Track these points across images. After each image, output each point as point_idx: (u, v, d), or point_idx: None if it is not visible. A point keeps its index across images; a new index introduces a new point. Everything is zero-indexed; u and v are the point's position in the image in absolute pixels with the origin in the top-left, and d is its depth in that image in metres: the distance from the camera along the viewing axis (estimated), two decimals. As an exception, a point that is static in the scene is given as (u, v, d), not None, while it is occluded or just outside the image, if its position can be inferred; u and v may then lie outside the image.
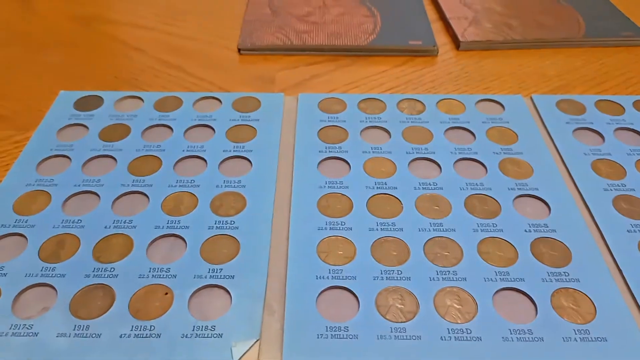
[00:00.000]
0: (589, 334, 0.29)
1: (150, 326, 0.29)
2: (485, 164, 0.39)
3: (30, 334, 0.28)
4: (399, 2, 0.58)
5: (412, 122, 0.43)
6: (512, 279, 0.31)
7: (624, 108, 0.44)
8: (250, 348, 0.28)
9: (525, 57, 0.51)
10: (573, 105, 0.44)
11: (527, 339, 0.28)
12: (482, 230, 0.34)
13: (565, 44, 0.53)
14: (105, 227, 0.34)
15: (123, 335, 0.28)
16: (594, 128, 0.42)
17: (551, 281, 0.31)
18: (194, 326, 0.29)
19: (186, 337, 0.28)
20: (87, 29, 0.56)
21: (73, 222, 0.34)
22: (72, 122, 0.42)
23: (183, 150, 0.40)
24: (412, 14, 0.56)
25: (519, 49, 0.52)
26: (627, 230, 0.34)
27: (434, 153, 0.40)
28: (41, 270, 0.31)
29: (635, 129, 0.42)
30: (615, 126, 0.42)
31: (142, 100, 0.45)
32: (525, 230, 0.34)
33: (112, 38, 0.54)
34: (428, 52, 0.51)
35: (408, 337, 0.28)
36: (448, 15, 0.56)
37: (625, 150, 0.40)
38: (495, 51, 0.52)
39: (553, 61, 0.51)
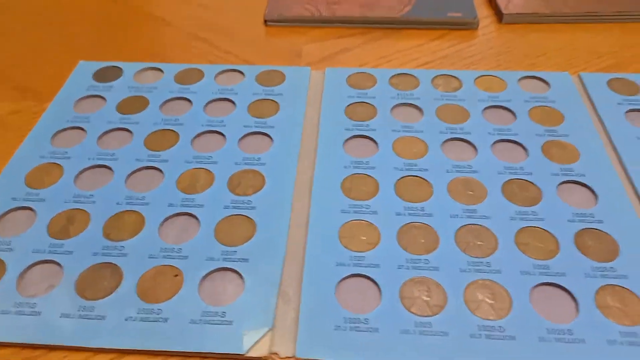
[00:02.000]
0: (638, 337, 0.26)
1: (158, 309, 0.27)
2: (527, 146, 0.36)
3: (34, 313, 0.27)
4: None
5: (447, 99, 0.40)
6: (552, 273, 0.28)
7: (685, 88, 0.40)
8: (262, 337, 0.26)
9: (576, 32, 0.47)
10: (626, 85, 0.40)
11: (566, 340, 0.26)
12: (520, 219, 0.31)
13: (621, 19, 0.48)
14: (118, 204, 0.32)
15: (129, 318, 0.27)
16: (649, 109, 0.38)
17: (596, 277, 0.28)
18: (203, 311, 0.27)
19: (194, 322, 0.27)
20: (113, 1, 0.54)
21: (85, 197, 0.33)
22: (90, 94, 0.41)
23: (202, 125, 0.38)
24: (451, -16, 0.52)
25: (569, 22, 0.48)
26: (686, 224, 0.31)
27: (470, 133, 0.37)
28: (49, 247, 0.30)
29: (698, 111, 0.38)
30: (675, 108, 0.38)
31: (162, 72, 0.43)
32: (569, 220, 0.31)
33: (137, 9, 0.53)
34: (468, 25, 0.48)
35: (434, 333, 0.26)
36: (490, -15, 0.52)
37: (685, 135, 0.36)
38: (543, 25, 0.48)
39: (606, 37, 0.47)
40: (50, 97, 0.41)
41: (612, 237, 0.30)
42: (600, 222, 0.31)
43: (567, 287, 0.28)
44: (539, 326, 0.26)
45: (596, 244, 0.30)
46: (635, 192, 0.33)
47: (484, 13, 0.50)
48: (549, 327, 0.26)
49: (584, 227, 0.31)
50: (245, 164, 0.35)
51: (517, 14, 0.48)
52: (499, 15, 0.49)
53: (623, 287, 0.28)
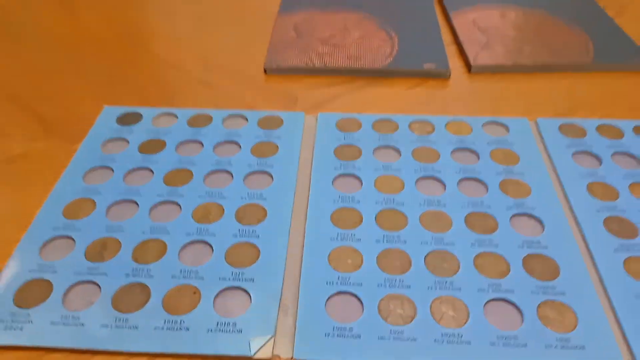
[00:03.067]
0: (569, 342, 0.32)
1: (180, 320, 0.33)
2: (487, 183, 0.42)
3: (78, 324, 0.33)
4: (416, 26, 0.62)
5: (421, 142, 0.46)
6: (503, 290, 0.35)
7: (623, 132, 0.47)
8: (265, 343, 0.32)
9: (535, 81, 0.54)
10: (575, 129, 0.47)
11: (512, 344, 0.32)
12: (479, 245, 0.37)
13: (574, 69, 0.55)
14: (143, 233, 0.39)
15: (157, 328, 0.33)
16: (592, 152, 0.45)
17: (539, 293, 0.34)
18: (217, 322, 0.33)
19: (211, 331, 0.33)
20: (131, 45, 0.61)
21: (115, 227, 0.39)
22: (115, 136, 0.47)
23: (212, 165, 0.44)
24: (428, 37, 0.60)
25: (529, 72, 0.55)
26: (615, 249, 0.37)
27: (440, 172, 0.43)
28: (87, 269, 0.36)
29: (632, 153, 0.45)
30: (614, 150, 0.45)
31: (176, 117, 0.49)
32: (519, 246, 0.37)
33: (153, 55, 0.59)
34: (441, 75, 0.55)
35: (405, 339, 0.32)
36: (462, 39, 0.59)
37: (620, 174, 0.43)
38: (506, 74, 0.55)
39: (561, 85, 0.54)
40: (77, 138, 0.48)
41: (554, 260, 0.37)
42: (545, 247, 0.37)
43: (514, 301, 0.34)
44: (490, 333, 0.32)
45: (541, 266, 0.36)
46: (577, 223, 0.39)
47: (455, 64, 0.57)
48: (498, 334, 0.32)
49: (531, 252, 0.37)
50: (250, 198, 0.41)
51: (483, 65, 0.55)
52: (468, 66, 0.56)
53: (561, 302, 0.34)
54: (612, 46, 0.57)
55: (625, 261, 0.36)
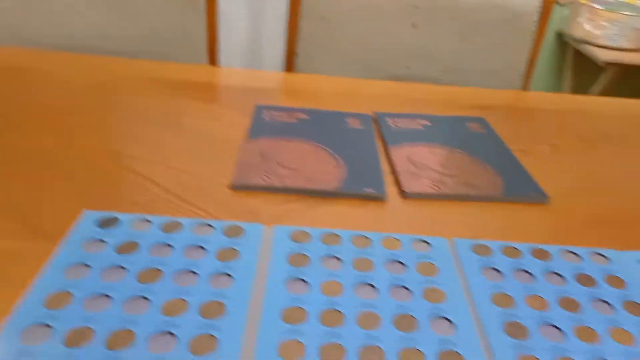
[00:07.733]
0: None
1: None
2: (412, 290, 0.51)
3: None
4: (361, 157, 0.74)
5: (360, 254, 0.55)
6: (420, 379, 0.42)
7: (522, 253, 0.58)
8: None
9: (454, 207, 0.66)
10: (484, 249, 0.58)
11: None
12: (402, 341, 0.45)
13: (486, 199, 0.67)
14: (115, 323, 0.44)
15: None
16: (497, 267, 0.55)
17: (449, 382, 0.42)
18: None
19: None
20: (114, 163, 0.70)
21: (90, 317, 0.45)
22: (94, 237, 0.54)
23: (181, 266, 0.51)
24: (370, 167, 0.71)
25: (450, 200, 0.67)
26: (512, 348, 0.46)
27: (374, 280, 0.52)
28: (64, 354, 0.41)
29: (528, 270, 0.55)
30: (513, 267, 0.55)
31: (150, 222, 0.57)
32: (435, 344, 0.45)
33: (131, 170, 0.68)
34: (378, 198, 0.66)
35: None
36: (397, 169, 0.71)
37: (518, 287, 0.53)
38: (432, 201, 0.67)
39: (475, 212, 0.65)
40: (58, 238, 0.54)
41: (462, 356, 0.45)
42: (455, 345, 0.46)
43: (429, 388, 0.41)
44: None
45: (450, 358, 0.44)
46: (481, 325, 0.48)
47: (392, 189, 0.68)
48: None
49: (445, 349, 0.45)
50: (212, 296, 0.48)
51: (414, 192, 0.66)
52: (402, 192, 0.67)
53: (467, 390, 0.42)
54: (516, 183, 0.71)
55: (520, 358, 0.45)
